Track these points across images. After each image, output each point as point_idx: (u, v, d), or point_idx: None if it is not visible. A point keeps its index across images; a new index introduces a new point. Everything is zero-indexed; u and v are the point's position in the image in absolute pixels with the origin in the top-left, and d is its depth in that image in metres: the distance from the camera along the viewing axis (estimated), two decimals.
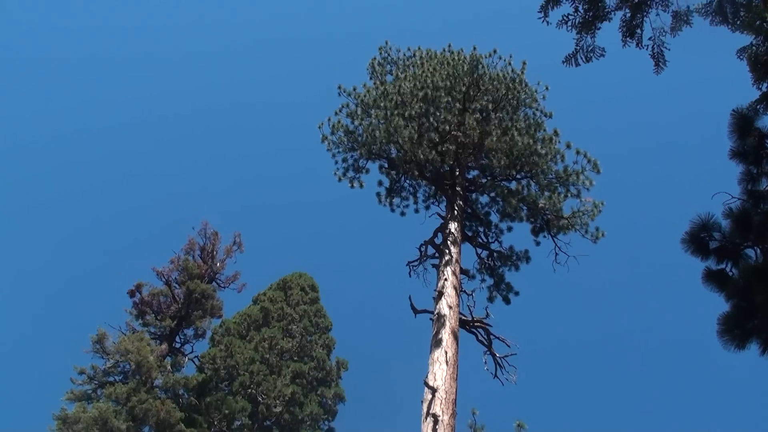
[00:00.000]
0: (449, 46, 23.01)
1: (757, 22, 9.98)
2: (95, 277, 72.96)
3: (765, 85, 8.91)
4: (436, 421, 13.21)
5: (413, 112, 20.10)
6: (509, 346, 18.66)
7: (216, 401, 28.52)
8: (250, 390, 29.45)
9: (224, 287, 35.32)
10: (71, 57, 73.06)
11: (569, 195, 21.14)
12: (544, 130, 21.87)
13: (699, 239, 8.64)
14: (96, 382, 27.99)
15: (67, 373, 28.76)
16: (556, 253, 21.32)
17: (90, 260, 74.66)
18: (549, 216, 21.14)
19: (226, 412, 28.37)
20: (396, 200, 22.83)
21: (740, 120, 8.63)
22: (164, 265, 33.51)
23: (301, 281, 36.45)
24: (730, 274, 8.63)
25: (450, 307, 16.54)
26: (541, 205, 20.97)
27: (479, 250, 21.68)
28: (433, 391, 14.02)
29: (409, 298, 17.48)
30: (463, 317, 17.88)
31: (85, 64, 74.25)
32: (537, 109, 22.65)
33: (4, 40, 69.73)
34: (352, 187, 22.69)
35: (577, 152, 21.00)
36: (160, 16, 77.61)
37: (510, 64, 22.32)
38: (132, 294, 32.06)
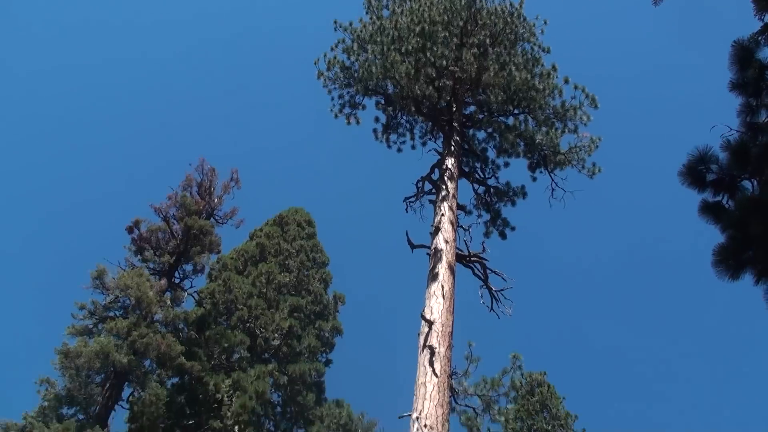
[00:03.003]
0: None
1: None
2: (93, 214, 73.10)
3: (767, 15, 8.82)
4: (432, 353, 13.40)
5: (410, 48, 19.85)
6: (505, 280, 18.76)
7: (215, 335, 28.92)
8: (248, 324, 29.81)
9: (222, 223, 35.53)
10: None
11: (567, 130, 21.07)
12: (542, 65, 21.63)
13: (696, 171, 8.68)
14: (96, 317, 28.30)
15: (67, 309, 29.08)
16: (553, 189, 21.35)
17: (87, 197, 74.67)
18: (546, 152, 21.11)
19: (226, 345, 28.79)
20: (393, 136, 22.76)
21: (741, 51, 8.58)
22: (162, 202, 33.61)
23: (298, 217, 36.50)
24: (727, 206, 8.70)
25: (447, 242, 16.64)
26: (538, 140, 20.90)
27: (476, 186, 21.68)
28: (430, 324, 14.19)
29: (406, 233, 17.54)
30: (460, 252, 17.97)
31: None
32: (535, 44, 22.38)
33: None
34: (349, 123, 22.62)
35: (575, 87, 20.87)
36: None
37: None
38: (130, 230, 32.19)
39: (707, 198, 8.86)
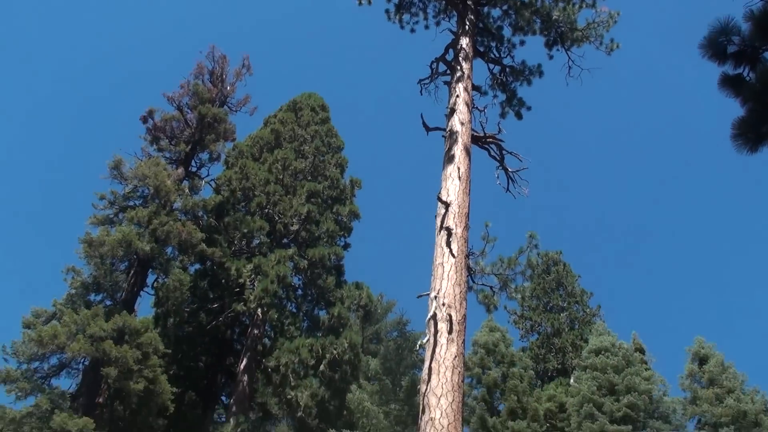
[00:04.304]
0: None
1: None
2: (106, 106, 72.92)
3: None
4: (449, 234, 13.53)
5: None
6: (521, 161, 18.61)
7: (234, 221, 29.31)
8: (266, 210, 30.13)
9: (236, 111, 35.38)
10: None
11: (584, 5, 20.49)
12: None
13: (717, 44, 8.42)
14: (117, 207, 28.64)
15: (87, 199, 29.44)
16: (570, 67, 20.92)
17: (100, 88, 74.29)
18: (563, 28, 20.59)
19: (245, 231, 29.23)
20: (405, 16, 22.15)
21: None
22: (174, 91, 33.39)
23: (311, 102, 36.21)
24: (747, 78, 8.49)
25: (462, 124, 16.49)
26: (555, 17, 20.36)
27: (491, 66, 21.25)
28: (446, 205, 14.27)
29: (421, 116, 17.31)
30: (475, 133, 17.80)
31: None
32: None
33: None
34: (360, 4, 22.04)
35: None
36: None
37: None
38: (145, 120, 32.14)
39: (727, 71, 8.64)
